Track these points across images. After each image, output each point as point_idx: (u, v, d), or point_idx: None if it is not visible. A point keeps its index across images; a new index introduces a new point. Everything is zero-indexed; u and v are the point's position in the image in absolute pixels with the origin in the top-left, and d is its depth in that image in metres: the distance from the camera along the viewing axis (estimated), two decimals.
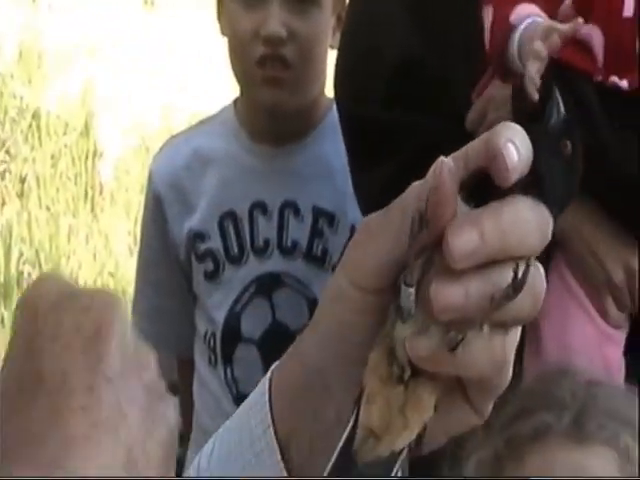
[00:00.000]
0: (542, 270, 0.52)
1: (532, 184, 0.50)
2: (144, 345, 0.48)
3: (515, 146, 0.48)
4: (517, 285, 0.49)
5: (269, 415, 0.55)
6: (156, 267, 2.06)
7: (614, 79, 1.50)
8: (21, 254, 4.79)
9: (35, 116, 5.29)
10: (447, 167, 0.48)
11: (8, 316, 4.35)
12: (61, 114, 5.33)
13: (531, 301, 0.51)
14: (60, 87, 5.41)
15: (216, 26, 1.99)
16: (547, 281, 1.55)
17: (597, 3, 1.52)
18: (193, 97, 4.72)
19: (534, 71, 1.41)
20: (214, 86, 4.22)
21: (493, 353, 0.50)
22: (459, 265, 0.46)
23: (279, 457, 0.55)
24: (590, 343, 1.59)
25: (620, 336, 1.59)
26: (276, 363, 0.58)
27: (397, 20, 1.74)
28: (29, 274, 4.69)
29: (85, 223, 5.01)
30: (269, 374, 0.57)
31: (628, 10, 1.49)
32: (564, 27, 1.44)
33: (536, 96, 1.41)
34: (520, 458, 1.15)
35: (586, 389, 1.22)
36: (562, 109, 0.53)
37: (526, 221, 0.49)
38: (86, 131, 5.17)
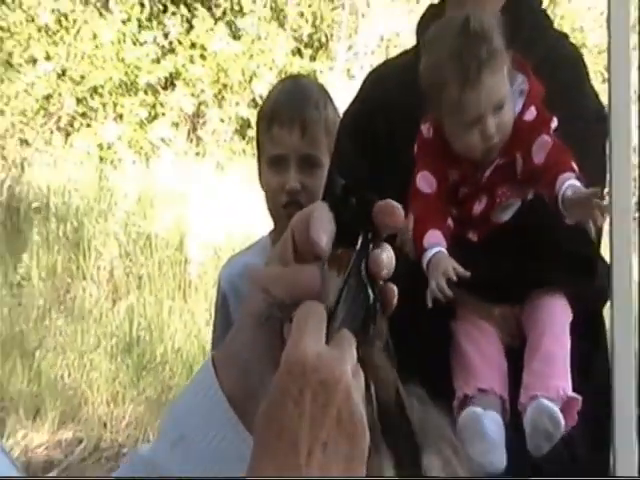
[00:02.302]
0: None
1: None
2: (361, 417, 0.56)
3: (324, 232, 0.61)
4: None
5: (219, 388, 0.67)
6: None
7: (469, 235, 1.70)
8: (139, 324, 5.83)
9: (148, 237, 6.39)
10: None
11: (131, 367, 5.44)
12: (164, 236, 6.36)
13: None
14: (164, 219, 6.51)
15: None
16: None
17: (462, 211, 1.70)
18: (247, 228, 5.21)
19: (434, 286, 1.58)
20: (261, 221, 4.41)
21: None
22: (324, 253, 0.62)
23: (227, 405, 0.66)
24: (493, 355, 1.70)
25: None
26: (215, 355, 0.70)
27: (352, 162, 1.85)
28: (144, 337, 5.73)
29: (179, 305, 6.02)
30: (210, 361, 0.69)
31: (476, 210, 1.71)
32: (464, 274, 1.55)
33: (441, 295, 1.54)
34: None
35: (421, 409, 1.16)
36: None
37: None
38: (180, 247, 6.29)
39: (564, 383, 1.65)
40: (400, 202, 0.67)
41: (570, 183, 1.58)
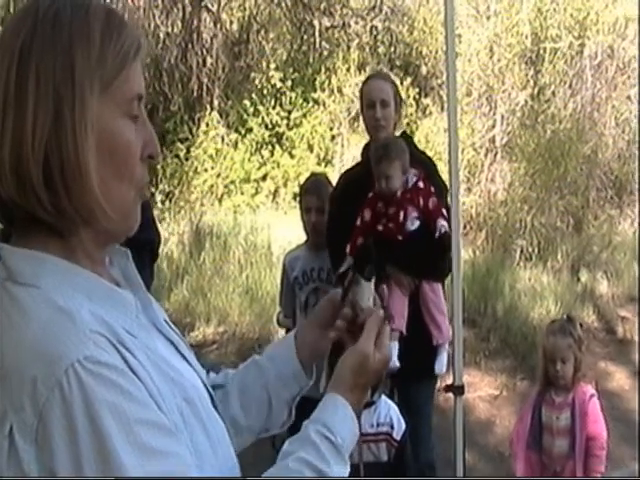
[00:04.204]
0: None
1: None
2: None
3: None
4: None
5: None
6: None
7: (398, 237, 3.71)
8: None
9: None
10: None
11: None
12: None
13: None
14: None
15: None
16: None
17: None
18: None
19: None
20: None
21: None
22: None
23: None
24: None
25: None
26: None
27: None
28: None
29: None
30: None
31: (400, 220, 3.75)
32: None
33: None
34: None
35: None
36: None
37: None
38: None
39: (443, 317, 3.85)
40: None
41: (442, 223, 3.64)
